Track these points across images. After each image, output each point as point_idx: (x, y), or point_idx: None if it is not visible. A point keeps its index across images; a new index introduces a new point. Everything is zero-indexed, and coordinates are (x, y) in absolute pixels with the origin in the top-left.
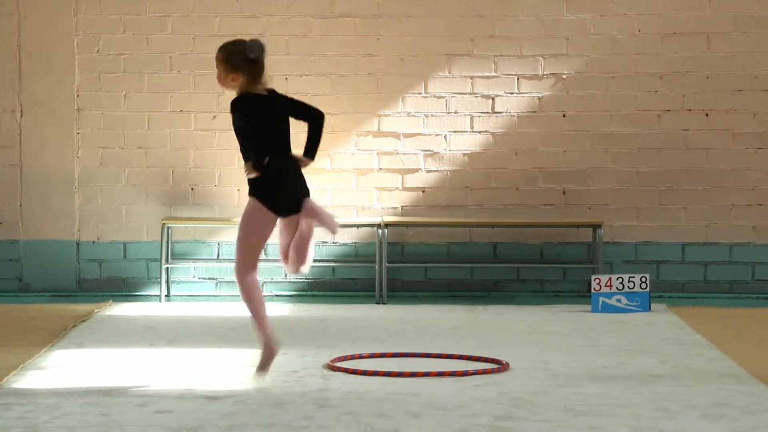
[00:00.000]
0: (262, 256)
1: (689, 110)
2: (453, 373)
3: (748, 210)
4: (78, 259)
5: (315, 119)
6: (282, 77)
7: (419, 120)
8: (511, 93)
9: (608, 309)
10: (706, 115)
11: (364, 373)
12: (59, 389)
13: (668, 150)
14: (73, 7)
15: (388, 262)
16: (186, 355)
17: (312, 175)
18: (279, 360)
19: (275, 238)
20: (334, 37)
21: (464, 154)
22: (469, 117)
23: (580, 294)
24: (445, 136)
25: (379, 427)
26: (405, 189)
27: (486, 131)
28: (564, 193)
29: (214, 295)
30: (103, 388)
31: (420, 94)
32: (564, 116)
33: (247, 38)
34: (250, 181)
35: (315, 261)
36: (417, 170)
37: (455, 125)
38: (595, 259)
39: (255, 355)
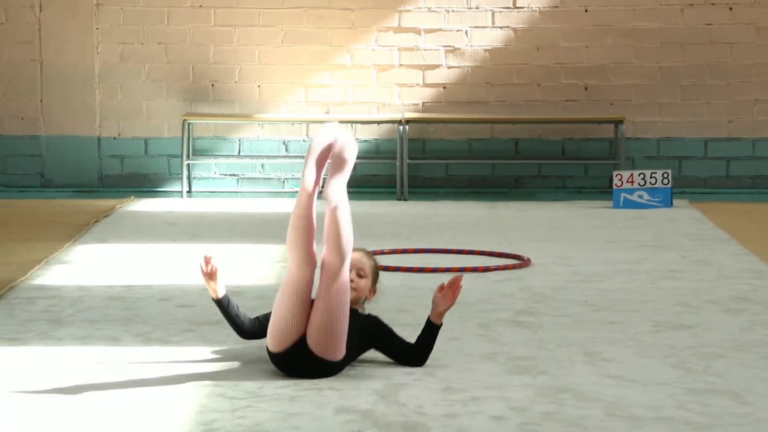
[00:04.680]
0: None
1: (713, 4)
2: (474, 269)
3: None
4: (99, 155)
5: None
6: None
7: (440, 15)
8: None
9: (630, 205)
10: (730, 9)
11: (386, 269)
12: (83, 284)
13: (691, 45)
14: None
15: (409, 159)
16: (208, 250)
17: (333, 71)
18: None
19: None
20: None
21: (485, 50)
22: (490, 12)
23: (602, 190)
24: (467, 32)
25: (400, 322)
26: (426, 85)
27: (507, 27)
28: (586, 88)
29: (235, 191)
30: (126, 283)
31: None
32: (586, 11)
33: None
34: None
35: None
36: (438, 66)
37: (476, 21)
38: (617, 155)
39: (277, 250)
